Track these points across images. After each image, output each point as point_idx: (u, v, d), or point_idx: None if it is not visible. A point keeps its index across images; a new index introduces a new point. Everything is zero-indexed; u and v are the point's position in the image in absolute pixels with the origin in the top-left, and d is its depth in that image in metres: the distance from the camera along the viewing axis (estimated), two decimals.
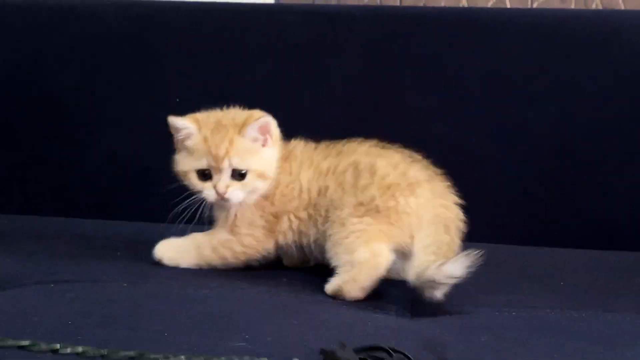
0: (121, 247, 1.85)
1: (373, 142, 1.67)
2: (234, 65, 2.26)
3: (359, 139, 1.68)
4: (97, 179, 2.28)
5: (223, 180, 1.58)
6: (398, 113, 2.17)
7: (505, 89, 2.13)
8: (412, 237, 1.52)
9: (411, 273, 1.45)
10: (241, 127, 1.59)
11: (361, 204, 1.56)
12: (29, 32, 2.31)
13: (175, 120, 1.62)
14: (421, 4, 2.53)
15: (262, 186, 1.61)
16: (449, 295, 1.49)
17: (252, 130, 1.60)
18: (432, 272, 1.40)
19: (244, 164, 1.59)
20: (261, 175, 1.61)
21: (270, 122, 1.62)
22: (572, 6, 2.48)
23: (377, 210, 1.55)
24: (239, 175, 1.59)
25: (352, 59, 2.21)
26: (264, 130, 1.61)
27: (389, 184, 1.57)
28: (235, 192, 1.59)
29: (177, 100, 2.25)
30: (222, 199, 1.59)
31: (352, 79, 2.20)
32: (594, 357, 1.22)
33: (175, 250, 1.68)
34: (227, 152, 1.57)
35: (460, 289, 1.52)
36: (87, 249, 1.84)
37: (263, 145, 1.62)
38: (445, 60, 2.16)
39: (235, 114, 1.65)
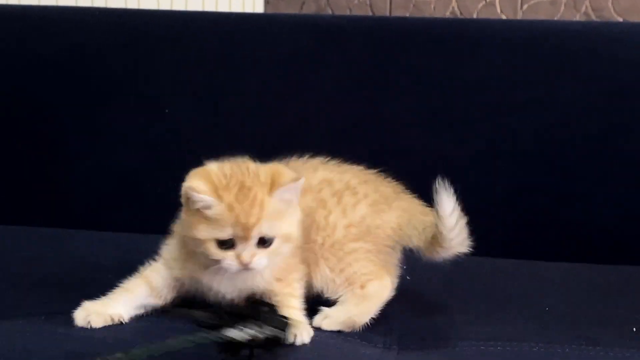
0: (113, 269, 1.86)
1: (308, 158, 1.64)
2: (224, 74, 2.25)
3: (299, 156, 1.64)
4: (88, 190, 2.29)
5: (248, 249, 1.39)
6: (384, 124, 2.18)
7: (491, 100, 2.14)
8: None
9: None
10: (271, 187, 1.40)
11: (351, 225, 1.57)
12: (18, 41, 2.30)
13: (192, 194, 1.39)
14: (411, 8, 2.51)
15: (287, 251, 1.44)
16: (436, 326, 1.52)
17: (286, 192, 1.41)
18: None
19: (273, 230, 1.39)
20: (288, 239, 1.43)
21: (299, 190, 1.44)
22: (562, 9, 2.48)
23: (369, 232, 1.56)
24: (264, 242, 1.40)
25: (339, 69, 2.21)
26: (295, 194, 1.44)
27: (373, 201, 1.58)
28: (261, 260, 1.40)
29: (167, 111, 2.26)
30: (245, 268, 1.40)
31: (339, 90, 2.21)
32: None
33: None
34: (258, 219, 1.37)
35: (447, 317, 1.56)
36: (76, 270, 1.85)
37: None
38: (433, 72, 2.17)
39: (255, 169, 1.45)
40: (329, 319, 1.52)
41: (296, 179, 1.41)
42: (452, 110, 2.15)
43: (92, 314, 1.46)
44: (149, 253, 1.97)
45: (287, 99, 2.23)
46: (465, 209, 2.08)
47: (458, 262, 1.94)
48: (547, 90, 2.12)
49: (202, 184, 1.39)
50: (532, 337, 1.52)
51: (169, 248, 1.54)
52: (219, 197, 1.37)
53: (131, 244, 2.09)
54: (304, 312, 1.49)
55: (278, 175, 1.41)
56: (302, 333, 1.42)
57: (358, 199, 1.58)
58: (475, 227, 2.11)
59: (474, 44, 2.16)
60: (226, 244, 1.39)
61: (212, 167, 1.45)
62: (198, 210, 1.39)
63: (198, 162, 2.17)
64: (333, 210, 1.56)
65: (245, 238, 1.37)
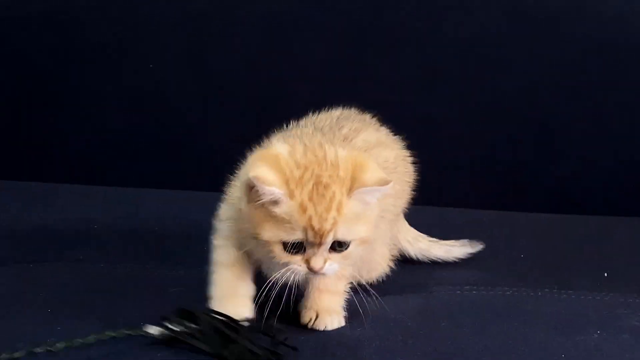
0: (97, 220, 1.89)
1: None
2: (209, 31, 2.26)
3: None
4: (74, 144, 2.31)
5: (320, 254, 1.19)
6: (369, 80, 2.20)
7: (476, 58, 2.17)
8: None
9: None
10: (352, 186, 1.18)
11: None
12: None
13: (260, 186, 1.15)
14: None
15: (361, 252, 1.26)
16: (414, 273, 1.58)
17: (369, 195, 1.20)
18: None
19: (350, 235, 1.20)
20: (364, 242, 1.23)
21: (382, 192, 1.22)
22: None
23: None
24: (339, 245, 1.20)
25: (326, 31, 2.22)
26: (378, 194, 1.22)
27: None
28: (333, 266, 1.21)
29: (151, 66, 2.28)
30: (314, 274, 1.22)
31: (326, 52, 2.22)
32: (545, 342, 1.30)
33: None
34: (334, 224, 1.17)
35: (425, 265, 1.61)
36: (63, 222, 1.88)
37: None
38: (418, 29, 2.19)
39: (334, 157, 1.21)
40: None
41: (383, 182, 1.19)
42: (437, 68, 2.18)
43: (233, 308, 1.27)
44: (133, 206, 2.04)
45: (272, 56, 2.24)
46: (447, 162, 2.15)
47: (438, 213, 2.00)
48: (532, 48, 2.15)
49: (271, 173, 1.16)
50: (505, 282, 1.57)
51: (228, 224, 1.32)
52: (291, 193, 1.16)
53: (117, 197, 2.13)
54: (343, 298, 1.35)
55: (361, 170, 1.19)
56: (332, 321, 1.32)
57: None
58: (455, 180, 2.19)
59: (459, 2, 2.18)
60: (295, 247, 1.19)
61: (282, 151, 1.21)
62: (263, 205, 1.17)
63: (181, 118, 2.24)
64: None
65: (318, 244, 1.18)
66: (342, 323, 1.33)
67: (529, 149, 2.17)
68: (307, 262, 1.19)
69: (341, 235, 1.18)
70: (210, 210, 1.99)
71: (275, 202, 1.16)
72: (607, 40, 2.13)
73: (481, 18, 2.16)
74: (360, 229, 1.20)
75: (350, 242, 1.20)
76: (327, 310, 1.33)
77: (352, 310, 1.34)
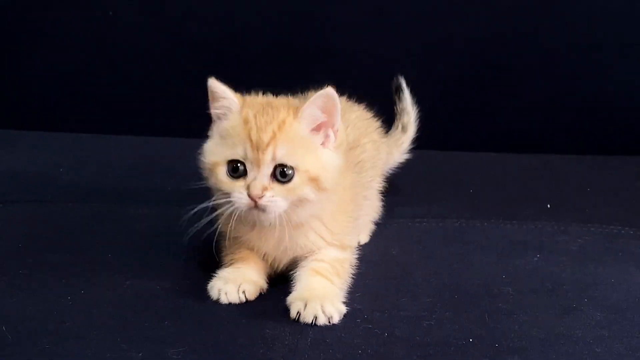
0: (64, 164, 1.95)
1: None
2: None
3: None
4: (35, 91, 2.34)
5: (260, 178, 1.17)
6: (325, 23, 2.25)
7: (424, 0, 2.22)
8: None
9: None
10: (297, 109, 1.20)
11: None
12: None
13: (216, 85, 1.22)
14: None
15: (314, 197, 1.20)
16: None
17: (312, 110, 1.19)
18: None
19: (293, 159, 1.17)
20: (313, 180, 1.19)
21: (335, 98, 1.19)
22: None
23: None
24: (282, 174, 1.17)
25: None
26: (328, 111, 1.20)
27: None
28: (275, 200, 1.17)
29: (110, 13, 2.31)
30: (255, 206, 1.17)
31: None
32: (488, 266, 1.41)
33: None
34: (273, 138, 1.16)
35: (382, 199, 1.68)
36: (30, 166, 1.93)
37: (323, 145, 1.23)
38: None
39: (293, 100, 1.29)
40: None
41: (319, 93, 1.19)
42: (390, 12, 2.23)
43: (244, 283, 1.24)
44: (98, 150, 2.09)
45: (230, 5, 2.28)
46: None
47: None
48: None
49: (229, 89, 1.23)
50: (454, 215, 1.66)
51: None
52: (241, 107, 1.21)
53: (81, 142, 2.18)
54: (342, 292, 1.26)
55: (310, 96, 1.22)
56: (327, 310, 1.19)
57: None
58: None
59: None
60: (237, 172, 1.19)
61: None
62: (217, 126, 1.24)
63: (144, 62, 2.28)
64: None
65: (257, 162, 1.16)
66: (342, 312, 1.21)
67: (476, 89, 2.25)
68: (248, 187, 1.17)
69: (281, 155, 1.17)
70: (173, 154, 2.08)
71: (225, 112, 1.22)
72: None
73: None
74: (306, 159, 1.18)
75: (293, 170, 1.17)
76: (322, 298, 1.20)
77: None
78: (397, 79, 1.76)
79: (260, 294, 1.26)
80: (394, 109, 1.79)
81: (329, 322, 1.17)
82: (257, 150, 1.17)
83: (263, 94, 1.30)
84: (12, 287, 1.26)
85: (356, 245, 1.40)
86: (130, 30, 2.28)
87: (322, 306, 1.18)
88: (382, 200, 1.59)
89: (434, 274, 1.36)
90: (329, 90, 1.19)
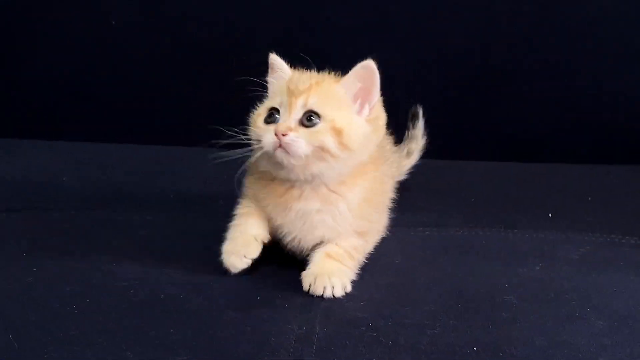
0: (66, 172, 1.96)
1: None
2: None
3: None
4: (37, 100, 2.35)
5: (288, 121, 1.27)
6: (326, 31, 2.26)
7: (424, 8, 2.23)
8: None
9: None
10: (339, 79, 1.33)
11: None
12: None
13: (275, 59, 1.38)
14: None
15: (335, 150, 1.27)
16: None
17: (352, 79, 1.32)
18: None
19: (322, 108, 1.28)
20: (337, 132, 1.27)
21: (374, 73, 1.32)
22: None
23: None
24: (308, 119, 1.27)
25: None
26: (367, 82, 1.31)
27: None
28: (298, 141, 1.26)
29: (113, 22, 2.32)
30: (280, 146, 1.26)
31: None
32: (490, 274, 1.41)
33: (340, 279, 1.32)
34: (309, 88, 1.29)
35: None
36: (33, 174, 1.94)
37: (357, 114, 1.33)
38: None
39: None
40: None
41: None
42: (392, 17, 2.25)
43: (243, 246, 1.34)
44: (100, 159, 2.09)
45: (229, 5, 2.29)
46: (400, 111, 2.21)
47: None
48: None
49: (286, 64, 1.38)
50: (456, 224, 1.67)
51: (249, 188, 1.41)
52: (292, 73, 1.36)
53: (82, 151, 2.19)
54: (353, 273, 1.35)
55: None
56: (335, 284, 1.29)
57: None
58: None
59: None
60: (271, 118, 1.30)
61: None
62: (270, 89, 1.37)
63: (144, 72, 2.29)
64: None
65: (289, 106, 1.28)
66: (348, 288, 1.31)
67: (477, 97, 2.26)
68: (276, 129, 1.26)
69: (311, 103, 1.27)
70: (175, 161, 2.09)
71: (280, 76, 1.36)
72: None
73: None
74: (335, 112, 1.28)
75: (320, 118, 1.27)
76: (330, 273, 1.30)
77: None
78: (416, 107, 1.86)
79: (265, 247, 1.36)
80: (405, 132, 1.88)
81: (333, 295, 1.28)
82: (292, 96, 1.29)
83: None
84: (17, 295, 1.27)
85: (378, 238, 1.47)
86: (132, 39, 2.30)
87: (329, 279, 1.28)
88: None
89: (436, 282, 1.37)
90: (370, 63, 1.31)
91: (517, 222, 1.69)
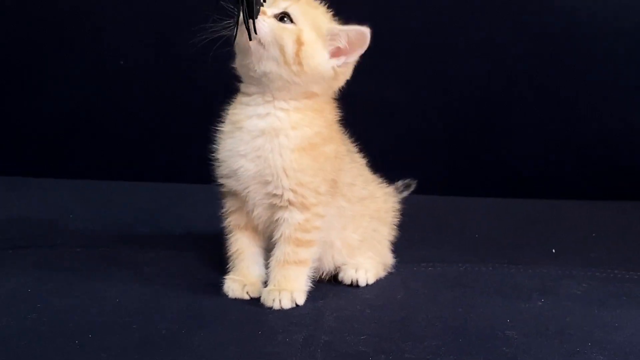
0: (73, 209, 1.97)
1: None
2: (173, 20, 2.34)
3: None
4: (44, 139, 2.38)
5: (266, 11, 1.37)
6: None
7: (427, 44, 2.27)
8: None
9: None
10: (335, 23, 1.42)
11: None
12: None
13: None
14: None
15: (289, 54, 1.36)
16: None
17: (342, 33, 1.41)
18: None
19: (298, 17, 1.37)
20: (299, 42, 1.37)
21: (364, 40, 1.41)
22: None
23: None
24: (281, 18, 1.37)
25: None
26: (353, 44, 1.41)
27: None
28: (264, 23, 1.35)
29: (121, 62, 2.35)
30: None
31: None
32: (492, 309, 1.41)
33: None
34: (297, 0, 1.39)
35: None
36: (40, 212, 1.96)
37: (332, 55, 1.41)
38: (370, 17, 2.26)
39: None
40: (371, 271, 1.54)
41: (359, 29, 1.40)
42: (390, 54, 2.27)
43: (248, 285, 1.45)
44: (105, 196, 2.11)
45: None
46: (401, 148, 2.24)
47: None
48: (484, 35, 2.25)
49: None
50: (460, 259, 1.68)
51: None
52: None
53: (88, 188, 2.21)
54: (307, 272, 1.44)
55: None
56: (282, 298, 1.39)
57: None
58: (410, 167, 2.27)
59: None
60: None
61: None
62: None
63: (150, 112, 2.31)
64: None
65: (274, 3, 1.38)
66: (300, 301, 1.41)
67: (480, 135, 2.28)
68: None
69: (293, 9, 1.37)
70: (181, 199, 2.11)
71: None
72: (563, 26, 2.24)
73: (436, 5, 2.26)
74: (307, 30, 1.37)
75: (292, 22, 1.36)
76: (285, 288, 1.40)
77: (314, 282, 1.45)
78: (411, 180, 1.88)
79: None
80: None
81: (281, 307, 1.38)
82: None
83: None
84: (22, 332, 1.27)
85: (328, 222, 1.45)
86: (139, 79, 2.34)
87: (279, 293, 1.39)
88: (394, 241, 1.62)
89: (438, 317, 1.37)
90: (364, 30, 1.40)
91: (519, 257, 1.69)
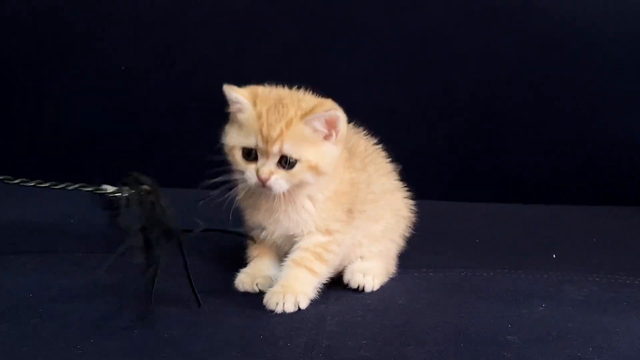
0: (74, 215, 1.97)
1: None
2: (177, 29, 2.35)
3: None
4: (45, 144, 2.38)
5: (268, 165, 1.37)
6: (332, 79, 2.29)
7: (430, 52, 2.27)
8: None
9: None
10: (305, 114, 1.37)
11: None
12: None
13: (229, 92, 1.42)
14: None
15: (313, 181, 1.40)
16: None
17: (317, 121, 1.37)
18: None
19: (297, 152, 1.37)
20: (313, 168, 1.39)
21: (340, 118, 1.39)
22: None
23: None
24: (287, 163, 1.37)
25: (284, 24, 2.31)
26: (331, 125, 1.38)
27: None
28: (279, 182, 1.38)
29: (122, 67, 2.36)
30: (262, 185, 1.38)
31: (284, 46, 2.31)
32: (493, 314, 1.41)
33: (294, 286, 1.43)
34: (280, 135, 1.36)
35: None
36: (41, 217, 1.96)
37: (325, 139, 1.40)
38: (374, 27, 2.29)
39: (302, 97, 1.43)
40: (378, 278, 1.55)
41: (328, 110, 1.37)
42: (393, 63, 2.28)
43: (259, 277, 1.49)
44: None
45: (237, 51, 2.33)
46: (403, 154, 2.23)
47: None
48: (485, 42, 2.25)
49: (242, 90, 1.42)
50: (461, 265, 1.68)
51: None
52: (253, 104, 1.39)
53: (87, 196, 2.19)
54: (316, 284, 1.46)
55: (320, 105, 1.39)
56: (286, 301, 1.40)
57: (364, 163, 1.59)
58: (420, 173, 2.27)
59: None
60: (250, 156, 1.39)
61: (264, 86, 1.46)
62: (235, 117, 1.41)
63: (152, 117, 2.32)
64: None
65: (266, 152, 1.37)
66: (303, 305, 1.41)
67: (482, 140, 2.28)
68: (257, 170, 1.38)
69: (287, 149, 1.36)
70: (181, 204, 2.10)
71: (240, 110, 1.40)
72: (564, 33, 2.24)
73: (437, 14, 2.26)
74: (308, 152, 1.38)
75: (296, 160, 1.37)
76: (286, 290, 1.41)
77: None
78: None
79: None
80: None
81: (285, 310, 1.38)
82: (267, 143, 1.36)
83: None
84: (24, 337, 1.27)
85: (350, 240, 1.50)
86: (141, 83, 2.34)
87: (283, 296, 1.39)
88: None
89: (440, 322, 1.37)
90: (333, 113, 1.38)
91: (521, 263, 1.69)
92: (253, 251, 1.54)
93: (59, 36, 2.36)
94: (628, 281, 1.59)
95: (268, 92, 1.43)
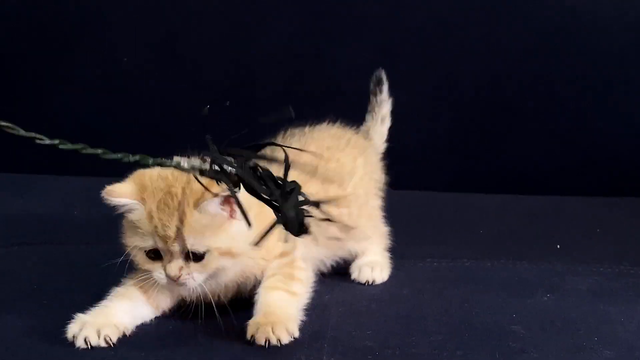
0: (77, 206, 1.98)
1: None
2: (178, 22, 2.34)
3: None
4: (45, 135, 2.37)
5: (175, 262, 1.21)
6: (331, 69, 2.29)
7: (433, 45, 2.27)
8: None
9: None
10: (198, 200, 1.20)
11: None
12: None
13: (110, 199, 1.24)
14: None
15: (231, 265, 1.25)
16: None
17: (211, 206, 1.21)
18: None
19: (201, 243, 1.21)
20: (226, 254, 1.23)
21: (231, 199, 1.18)
22: None
23: None
24: (194, 256, 1.21)
25: (287, 16, 2.31)
26: (228, 203, 1.22)
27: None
28: (192, 276, 1.22)
29: (125, 60, 2.35)
30: (176, 283, 1.23)
31: (288, 38, 2.31)
32: (498, 304, 1.41)
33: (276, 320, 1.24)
34: (178, 232, 1.20)
35: (392, 240, 1.69)
36: (44, 209, 1.96)
37: (231, 217, 1.23)
38: (375, 21, 2.28)
39: (190, 178, 1.20)
40: (386, 270, 1.54)
41: (217, 194, 1.17)
42: (397, 55, 2.28)
43: (89, 327, 1.22)
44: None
45: (239, 49, 2.33)
46: (406, 146, 2.23)
47: (403, 195, 2.10)
48: (488, 35, 2.25)
49: (126, 185, 1.25)
50: (465, 255, 1.68)
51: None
52: (143, 201, 1.22)
53: (92, 186, 2.19)
54: (299, 305, 1.31)
55: (210, 187, 1.11)
56: (280, 332, 1.21)
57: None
58: (415, 164, 2.28)
59: None
60: (156, 254, 1.24)
61: (153, 170, 1.26)
62: (127, 217, 1.26)
63: (155, 109, 2.32)
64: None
65: (169, 251, 1.21)
66: (295, 333, 1.23)
67: (485, 131, 2.28)
68: (165, 270, 1.22)
69: (190, 244, 1.20)
70: None
71: (129, 211, 1.24)
72: (565, 25, 2.24)
73: (440, 6, 2.26)
74: (215, 239, 1.21)
75: (204, 252, 1.21)
76: (273, 322, 1.23)
77: (321, 277, 1.46)
78: (379, 72, 1.77)
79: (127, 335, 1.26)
80: (371, 99, 1.79)
81: (280, 344, 1.20)
82: (165, 242, 1.20)
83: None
84: (28, 329, 1.28)
85: (299, 252, 1.36)
86: (143, 76, 2.34)
87: (273, 331, 1.20)
88: (393, 242, 1.61)
89: (444, 313, 1.37)
90: (221, 197, 1.20)
91: (525, 253, 1.69)
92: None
93: (59, 36, 2.35)
94: (632, 271, 1.59)
95: (156, 179, 1.23)
